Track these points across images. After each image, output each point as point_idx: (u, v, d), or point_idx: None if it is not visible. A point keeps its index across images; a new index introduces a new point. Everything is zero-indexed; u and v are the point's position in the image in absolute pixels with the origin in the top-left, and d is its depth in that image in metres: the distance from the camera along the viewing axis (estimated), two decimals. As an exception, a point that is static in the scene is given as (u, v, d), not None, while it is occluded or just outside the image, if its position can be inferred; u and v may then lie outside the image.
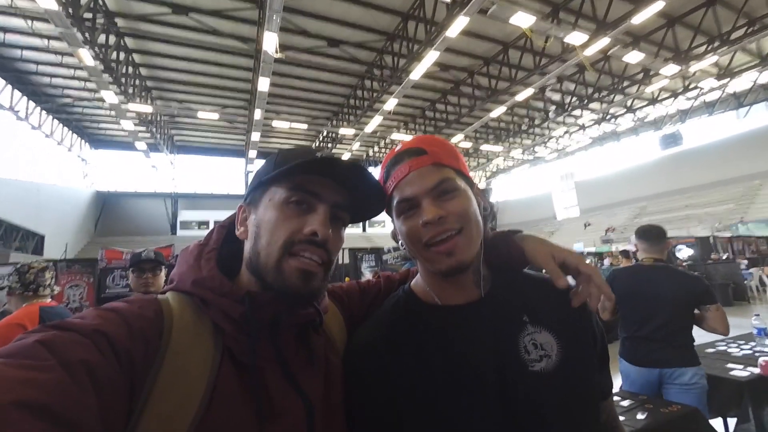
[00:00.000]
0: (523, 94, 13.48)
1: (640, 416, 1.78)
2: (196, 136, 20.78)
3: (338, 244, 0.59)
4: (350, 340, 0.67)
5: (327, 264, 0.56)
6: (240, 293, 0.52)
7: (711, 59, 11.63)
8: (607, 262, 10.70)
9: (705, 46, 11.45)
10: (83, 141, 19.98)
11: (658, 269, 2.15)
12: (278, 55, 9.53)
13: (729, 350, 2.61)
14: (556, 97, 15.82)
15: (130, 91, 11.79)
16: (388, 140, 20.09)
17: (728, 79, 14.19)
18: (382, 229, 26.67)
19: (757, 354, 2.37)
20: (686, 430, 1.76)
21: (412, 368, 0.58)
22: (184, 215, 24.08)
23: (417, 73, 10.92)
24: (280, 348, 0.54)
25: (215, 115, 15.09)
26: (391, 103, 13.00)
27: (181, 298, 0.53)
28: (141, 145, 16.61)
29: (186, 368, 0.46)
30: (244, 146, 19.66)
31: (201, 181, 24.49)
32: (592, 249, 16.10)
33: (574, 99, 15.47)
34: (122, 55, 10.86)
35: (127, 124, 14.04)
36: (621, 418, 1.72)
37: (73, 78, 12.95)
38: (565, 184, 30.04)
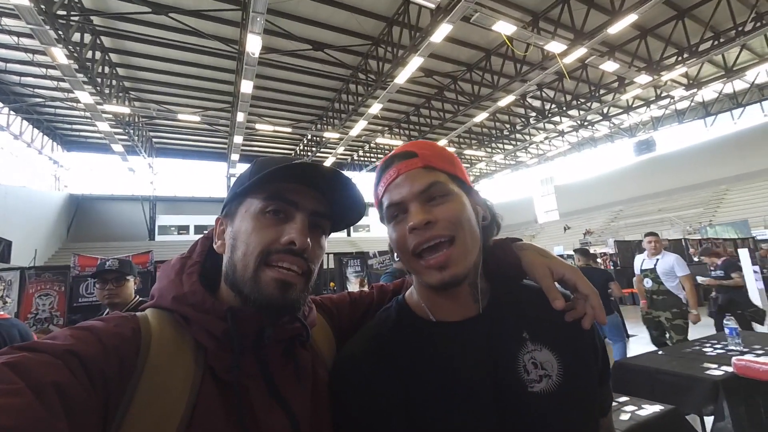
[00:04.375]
0: (505, 101, 13.76)
1: (623, 417, 1.82)
2: (176, 139, 20.26)
3: (319, 253, 0.57)
4: (338, 353, 0.64)
5: (307, 274, 0.54)
6: (222, 309, 0.50)
7: (680, 70, 12.21)
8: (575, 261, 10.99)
9: (675, 57, 12.04)
10: (55, 143, 19.16)
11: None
12: (254, 56, 9.41)
13: (704, 350, 2.71)
14: (537, 103, 16.24)
15: (107, 91, 11.40)
16: (372, 144, 20.12)
17: (696, 89, 14.92)
18: (367, 233, 26.62)
19: (729, 353, 2.47)
20: (668, 430, 1.81)
21: (402, 385, 0.55)
22: (163, 220, 23.37)
23: (402, 77, 11.00)
24: (265, 364, 0.52)
25: (196, 118, 14.77)
26: (375, 108, 13.04)
27: (162, 315, 0.52)
28: (118, 147, 16.06)
29: (165, 387, 0.44)
30: (226, 149, 19.29)
31: (181, 185, 23.86)
32: (570, 252, 16.51)
33: (554, 106, 15.93)
34: (98, 55, 10.50)
35: (103, 126, 13.55)
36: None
37: (45, 77, 12.42)
38: (545, 188, 30.81)
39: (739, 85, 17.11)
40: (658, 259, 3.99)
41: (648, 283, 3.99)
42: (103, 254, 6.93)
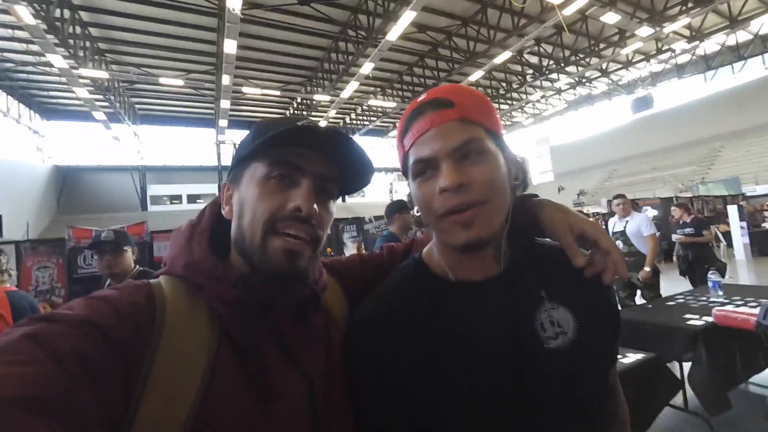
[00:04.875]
0: (502, 57, 13.24)
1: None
2: (161, 105, 19.49)
3: (327, 218, 0.56)
4: (354, 315, 0.64)
5: (315, 240, 0.54)
6: (233, 276, 0.51)
7: (684, 21, 11.72)
8: None
9: (679, 7, 11.49)
10: (33, 111, 18.35)
11: None
12: (237, 13, 8.83)
13: (688, 302, 2.83)
14: (534, 59, 15.66)
15: (81, 54, 10.76)
16: (365, 106, 19.54)
17: (698, 41, 14.43)
18: (362, 198, 26.58)
19: (711, 305, 2.59)
20: (649, 375, 1.93)
21: (421, 345, 0.55)
22: (155, 189, 23.04)
23: (393, 34, 10.46)
24: (277, 329, 0.53)
25: (179, 82, 14.10)
26: (367, 67, 12.51)
27: (175, 282, 0.52)
28: (99, 115, 15.45)
29: (183, 352, 0.45)
30: (213, 115, 18.66)
31: (170, 153, 23.29)
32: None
33: (551, 62, 15.38)
34: (67, 13, 9.78)
35: (82, 92, 12.94)
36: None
37: (12, 39, 11.63)
38: (540, 149, 30.57)
39: (742, 36, 16.54)
40: (627, 221, 4.04)
41: (619, 245, 4.02)
42: (96, 226, 6.89)
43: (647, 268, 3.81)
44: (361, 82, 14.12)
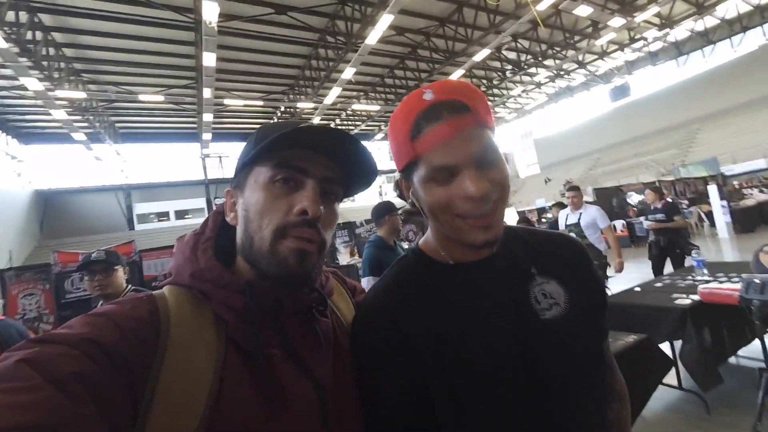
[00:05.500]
0: (481, 55, 13.42)
1: (601, 350, 1.98)
2: (142, 122, 19.20)
3: (332, 220, 0.56)
4: (361, 307, 0.64)
5: (322, 243, 0.54)
6: (239, 283, 0.51)
7: (653, 9, 12.06)
8: (551, 214, 11.30)
9: (648, -3, 11.82)
10: (9, 136, 17.90)
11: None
12: (213, 26, 8.79)
13: (674, 282, 2.91)
14: (512, 55, 15.90)
15: (56, 75, 10.57)
16: (349, 111, 19.57)
17: (669, 28, 14.85)
18: (352, 203, 26.54)
19: (697, 283, 2.66)
20: (641, 356, 1.98)
21: (431, 327, 0.57)
22: (141, 208, 22.63)
23: (373, 38, 10.53)
24: (285, 334, 0.53)
25: (159, 97, 13.95)
26: (348, 72, 12.55)
27: (179, 292, 0.52)
28: (79, 136, 15.15)
29: (190, 362, 0.45)
30: (196, 129, 18.46)
31: (155, 170, 22.94)
32: (551, 203, 16.98)
33: (529, 57, 15.65)
34: (40, 35, 9.61)
35: (59, 114, 12.68)
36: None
37: (-17, 65, 11.37)
38: (525, 142, 30.96)
39: (710, 21, 17.07)
40: (581, 213, 4.01)
41: None
42: (82, 249, 6.75)
43: (619, 258, 3.83)
44: (344, 87, 14.15)
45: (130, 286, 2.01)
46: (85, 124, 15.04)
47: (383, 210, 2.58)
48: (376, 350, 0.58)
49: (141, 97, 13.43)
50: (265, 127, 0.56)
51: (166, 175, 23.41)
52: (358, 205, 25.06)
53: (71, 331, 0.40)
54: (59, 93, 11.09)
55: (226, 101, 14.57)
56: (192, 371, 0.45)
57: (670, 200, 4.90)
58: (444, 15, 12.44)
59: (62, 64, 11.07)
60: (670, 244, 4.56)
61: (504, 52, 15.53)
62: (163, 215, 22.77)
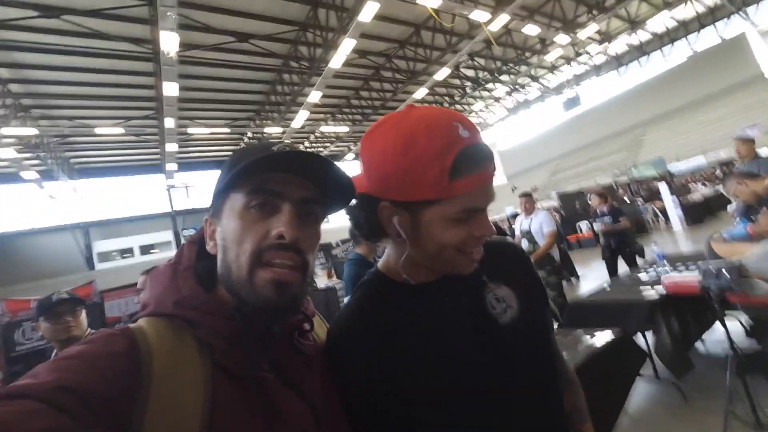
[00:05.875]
0: (441, 73, 14.01)
1: (580, 348, 2.04)
2: (100, 156, 18.34)
3: (313, 241, 0.55)
4: (330, 334, 0.65)
5: (302, 267, 0.52)
6: (227, 309, 0.50)
7: (593, 27, 13.15)
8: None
9: (586, 15, 12.92)
10: (-52, 180, 16.55)
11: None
12: (173, 56, 8.69)
13: (640, 276, 3.07)
14: (470, 73, 16.71)
15: (2, 113, 9.97)
16: (318, 133, 19.65)
17: (608, 42, 16.24)
18: (326, 224, 26.30)
19: (659, 275, 2.82)
20: (617, 351, 2.06)
21: (400, 343, 0.58)
22: (101, 246, 21.29)
23: (336, 61, 10.75)
24: (275, 357, 0.53)
25: (118, 130, 13.42)
26: (314, 96, 12.68)
27: (157, 322, 0.50)
28: (29, 174, 14.22)
29: (177, 393, 0.43)
30: (160, 160, 17.85)
31: (116, 205, 21.78)
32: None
33: (486, 73, 16.50)
34: (-18, 72, 9.10)
35: (7, 152, 11.90)
36: (564, 354, 1.95)
37: None
38: (490, 154, 32.16)
39: (643, 35, 18.89)
40: (532, 219, 4.07)
41: (525, 243, 3.97)
42: (35, 295, 6.23)
43: (536, 257, 3.76)
44: (311, 110, 14.26)
45: (89, 329, 1.87)
46: (37, 162, 14.18)
47: None
48: (352, 374, 0.59)
49: (98, 131, 12.87)
50: (239, 152, 0.56)
51: (128, 209, 22.28)
52: (333, 226, 24.86)
53: (36, 381, 0.36)
54: (6, 131, 10.44)
55: (191, 130, 14.25)
56: (181, 402, 0.43)
57: (615, 204, 5.07)
58: (403, 38, 12.95)
59: (9, 101, 10.48)
60: (620, 245, 4.74)
61: (462, 69, 16.30)
62: (126, 251, 21.51)
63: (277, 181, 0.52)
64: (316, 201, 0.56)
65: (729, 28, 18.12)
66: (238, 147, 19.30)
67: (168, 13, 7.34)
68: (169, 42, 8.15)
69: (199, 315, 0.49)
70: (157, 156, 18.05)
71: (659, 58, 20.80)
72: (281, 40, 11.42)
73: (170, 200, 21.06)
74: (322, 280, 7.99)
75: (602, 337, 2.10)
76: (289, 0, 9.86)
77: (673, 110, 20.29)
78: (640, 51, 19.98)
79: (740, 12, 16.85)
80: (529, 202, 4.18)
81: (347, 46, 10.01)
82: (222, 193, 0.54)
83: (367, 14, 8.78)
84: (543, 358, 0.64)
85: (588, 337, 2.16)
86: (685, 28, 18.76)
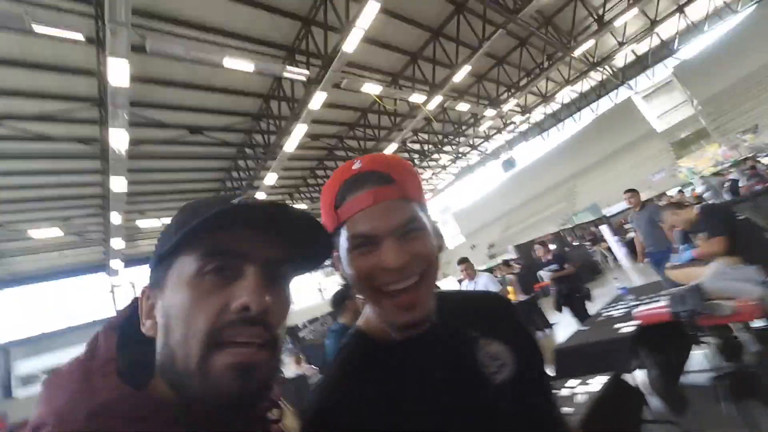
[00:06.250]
0: (390, 149, 15.13)
1: (579, 399, 1.98)
2: (30, 260, 16.53)
3: (283, 310, 0.46)
4: (311, 405, 0.57)
5: (271, 343, 0.43)
6: (166, 411, 0.39)
7: (513, 101, 15.38)
8: (499, 275, 12.05)
9: (506, 93, 15.17)
10: None
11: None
12: (122, 153, 8.64)
13: (611, 313, 3.17)
14: (416, 146, 18.26)
15: None
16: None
17: (529, 113, 18.99)
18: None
19: (629, 309, 2.93)
20: (616, 395, 2.02)
21: (387, 408, 0.53)
22: (24, 367, 18.01)
23: (289, 146, 11.26)
24: None
25: (56, 231, 12.40)
26: (271, 178, 12.92)
27: None
28: (-63, 293, 12.32)
29: None
30: (103, 258, 16.47)
31: (45, 316, 19.09)
32: (483, 267, 18.13)
33: (430, 146, 18.16)
34: None
35: None
36: (565, 409, 1.88)
37: None
38: (445, 217, 33.76)
39: (555, 106, 22.47)
40: (476, 282, 4.25)
41: None
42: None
43: None
44: (267, 192, 14.38)
45: None
46: (-52, 278, 12.41)
47: (343, 296, 2.51)
48: None
49: (31, 233, 11.80)
50: (190, 206, 0.47)
51: (61, 320, 19.57)
52: (297, 307, 23.54)
53: None
54: None
55: (139, 223, 13.56)
56: None
57: (559, 252, 5.32)
58: (352, 120, 14.10)
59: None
60: (572, 290, 4.83)
61: (409, 144, 17.79)
62: (54, 371, 18.35)
63: (240, 238, 0.43)
64: (286, 260, 0.47)
65: (619, 95, 22.07)
66: (192, 236, 18.53)
67: (119, 113, 7.45)
68: (119, 140, 8.14)
69: (127, 424, 0.37)
70: (100, 254, 16.68)
71: (572, 123, 24.47)
72: (235, 130, 11.87)
73: (114, 302, 18.97)
74: (290, 369, 7.24)
75: (596, 384, 2.06)
76: (243, 95, 10.51)
77: (594, 163, 23.23)
78: (556, 118, 23.60)
79: (625, 83, 20.80)
80: (469, 267, 4.27)
81: (300, 131, 10.61)
82: (166, 257, 0.44)
83: (316, 103, 9.55)
84: (545, 415, 0.59)
85: (581, 383, 2.11)
86: (585, 98, 22.63)
